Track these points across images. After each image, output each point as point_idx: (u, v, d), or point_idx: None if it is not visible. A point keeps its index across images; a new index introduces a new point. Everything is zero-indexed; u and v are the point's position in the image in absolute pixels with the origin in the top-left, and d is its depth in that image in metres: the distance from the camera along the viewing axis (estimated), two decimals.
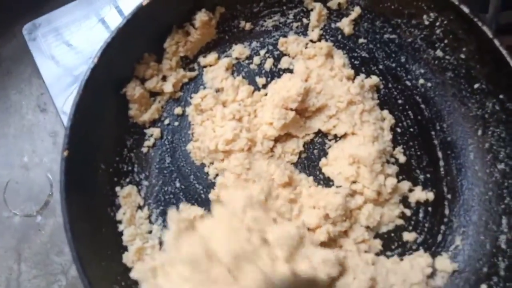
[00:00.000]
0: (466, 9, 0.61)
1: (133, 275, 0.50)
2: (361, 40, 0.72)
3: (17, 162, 0.76)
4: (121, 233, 0.62)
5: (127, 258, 0.59)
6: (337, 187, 0.63)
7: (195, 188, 0.66)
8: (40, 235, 0.72)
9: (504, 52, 0.59)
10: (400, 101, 0.69)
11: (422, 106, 0.68)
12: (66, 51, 0.80)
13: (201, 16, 0.68)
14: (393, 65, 0.70)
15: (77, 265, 0.52)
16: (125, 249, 0.61)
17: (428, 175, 0.65)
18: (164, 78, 0.69)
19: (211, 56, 0.71)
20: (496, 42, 0.59)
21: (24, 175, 0.76)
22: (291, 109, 0.63)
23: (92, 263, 0.54)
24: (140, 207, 0.65)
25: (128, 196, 0.64)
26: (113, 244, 0.60)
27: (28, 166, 0.76)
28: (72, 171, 0.57)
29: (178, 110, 0.69)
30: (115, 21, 0.80)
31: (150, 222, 0.64)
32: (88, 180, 0.60)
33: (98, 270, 0.55)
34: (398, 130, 0.67)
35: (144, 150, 0.68)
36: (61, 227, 0.69)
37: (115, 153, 0.65)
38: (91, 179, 0.61)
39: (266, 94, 0.68)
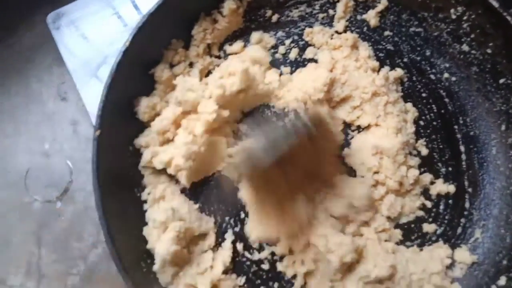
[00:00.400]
0: (495, 3, 0.61)
1: None
2: (386, 33, 0.72)
3: (38, 149, 0.77)
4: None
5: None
6: (361, 177, 0.64)
7: None
8: (60, 221, 0.73)
9: None
10: (424, 94, 0.69)
11: (446, 100, 0.69)
12: (82, 43, 0.80)
13: (229, 4, 0.69)
14: (418, 58, 0.71)
15: (107, 240, 0.53)
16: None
17: (450, 168, 0.66)
18: (191, 65, 0.71)
19: (237, 45, 0.72)
20: None
21: (45, 162, 0.76)
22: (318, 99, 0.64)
23: (120, 239, 0.56)
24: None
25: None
26: (141, 223, 0.62)
27: (48, 153, 0.77)
28: (102, 151, 0.58)
29: None
30: (131, 15, 0.80)
31: None
32: (117, 161, 0.62)
33: (126, 246, 0.57)
34: (422, 123, 0.68)
35: None
36: (81, 214, 0.71)
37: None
38: (120, 160, 0.62)
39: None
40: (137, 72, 0.66)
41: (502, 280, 0.58)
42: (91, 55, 0.79)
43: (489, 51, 0.65)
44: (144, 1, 0.81)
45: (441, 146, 0.67)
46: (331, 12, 0.74)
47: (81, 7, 0.82)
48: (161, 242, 0.58)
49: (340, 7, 0.72)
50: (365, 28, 0.73)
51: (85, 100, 0.76)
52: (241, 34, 0.73)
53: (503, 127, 0.64)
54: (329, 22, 0.74)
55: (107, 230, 0.54)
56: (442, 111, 0.68)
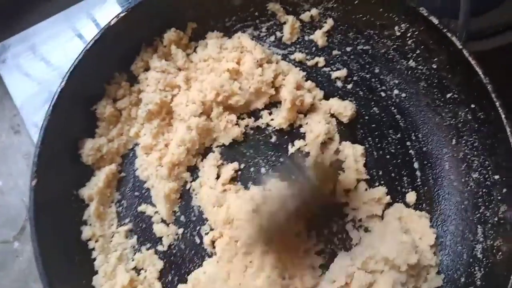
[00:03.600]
0: (435, 20, 0.62)
1: None
2: (335, 52, 0.72)
3: None
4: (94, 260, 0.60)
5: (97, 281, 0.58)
6: None
7: None
8: (18, 262, 0.70)
9: (473, 62, 0.59)
10: (377, 111, 0.69)
11: (398, 116, 0.69)
12: (43, 67, 0.79)
13: (170, 36, 0.67)
14: (368, 76, 0.71)
15: None
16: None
17: (406, 186, 0.65)
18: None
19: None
20: (465, 52, 0.60)
21: (0, 200, 0.74)
22: None
23: None
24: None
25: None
26: (87, 273, 0.59)
27: (3, 190, 0.75)
28: (41, 199, 0.55)
29: None
30: (93, 34, 0.78)
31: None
32: (59, 208, 0.59)
33: None
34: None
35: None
36: None
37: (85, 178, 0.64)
38: (62, 207, 0.59)
39: None
40: (78, 110, 0.63)
41: None
42: (52, 78, 0.77)
43: (434, 66, 0.65)
44: (106, 19, 0.79)
45: (396, 166, 0.66)
46: (278, 34, 0.73)
47: (39, 31, 0.82)
48: None
49: (287, 28, 0.72)
50: (313, 49, 0.72)
51: (35, 134, 0.73)
52: None
53: (453, 141, 0.65)
54: (277, 44, 0.73)
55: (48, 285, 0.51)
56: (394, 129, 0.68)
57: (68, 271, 0.56)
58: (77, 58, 0.61)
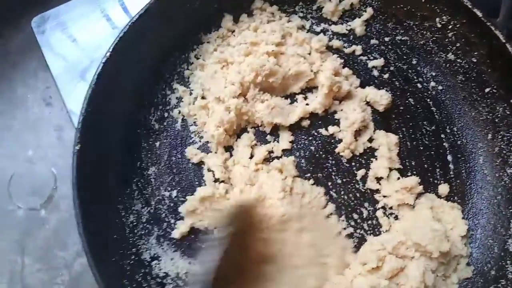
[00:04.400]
0: (479, 13, 0.62)
1: None
2: (373, 41, 0.72)
3: (21, 155, 0.76)
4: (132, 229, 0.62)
5: None
6: None
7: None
8: (44, 229, 0.72)
9: None
10: (412, 102, 0.69)
11: (433, 108, 0.69)
12: (71, 45, 0.80)
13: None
14: (405, 67, 0.71)
15: (88, 259, 0.52)
16: (137, 250, 0.61)
17: (438, 178, 0.65)
18: None
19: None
20: (509, 47, 0.60)
21: (29, 169, 0.75)
22: None
23: (102, 257, 0.54)
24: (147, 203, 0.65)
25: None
26: (124, 240, 0.60)
27: (32, 160, 0.76)
28: (83, 165, 0.57)
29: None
30: (120, 18, 0.80)
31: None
32: (98, 176, 0.60)
33: (109, 265, 0.55)
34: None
35: (157, 144, 0.68)
36: (65, 222, 0.71)
37: (126, 149, 0.65)
38: (101, 175, 0.61)
39: None
40: (119, 83, 0.64)
41: None
42: (78, 58, 0.79)
43: (474, 60, 0.65)
44: (134, 3, 0.82)
45: (429, 157, 0.66)
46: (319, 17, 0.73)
47: (70, 9, 0.83)
48: None
49: (329, 7, 0.72)
50: (351, 37, 0.72)
51: (69, 106, 0.76)
52: None
53: (489, 136, 0.65)
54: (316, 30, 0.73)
55: (88, 248, 0.52)
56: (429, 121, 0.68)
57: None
58: (120, 32, 0.62)
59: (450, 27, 0.66)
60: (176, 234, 0.62)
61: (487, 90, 0.65)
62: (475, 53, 0.65)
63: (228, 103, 0.65)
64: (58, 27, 0.82)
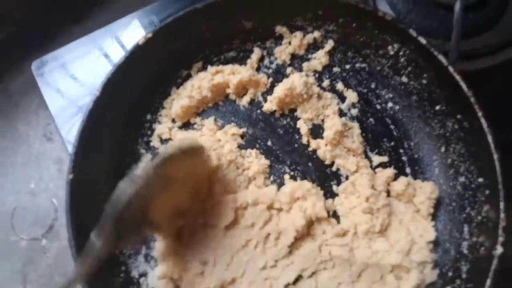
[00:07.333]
0: (423, 41, 0.69)
1: None
2: (335, 69, 0.79)
3: (24, 188, 0.80)
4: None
5: None
6: None
7: None
8: (45, 258, 0.74)
9: (457, 77, 0.65)
10: (373, 122, 0.76)
11: (392, 126, 0.75)
12: (72, 84, 0.85)
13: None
14: (365, 90, 0.78)
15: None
16: (127, 268, 0.67)
17: None
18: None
19: None
20: (451, 68, 0.66)
21: (31, 201, 0.79)
22: None
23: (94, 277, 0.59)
24: None
25: None
26: (114, 260, 0.66)
27: (34, 192, 0.80)
28: (76, 193, 0.63)
29: None
30: (118, 55, 0.86)
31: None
32: (91, 202, 0.66)
33: (100, 285, 0.61)
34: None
35: None
36: (65, 250, 0.72)
37: (115, 175, 0.71)
38: (93, 201, 0.67)
39: None
40: (110, 117, 0.71)
41: None
42: (79, 93, 0.84)
43: (424, 81, 0.72)
44: (130, 40, 0.88)
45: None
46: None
47: (69, 51, 0.88)
48: None
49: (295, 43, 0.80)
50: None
51: (69, 139, 0.80)
52: None
53: (442, 149, 0.71)
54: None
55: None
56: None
57: None
58: (109, 71, 0.70)
59: (401, 53, 0.73)
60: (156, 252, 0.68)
61: (437, 107, 0.71)
62: (425, 75, 0.71)
63: None
64: (57, 68, 0.87)
